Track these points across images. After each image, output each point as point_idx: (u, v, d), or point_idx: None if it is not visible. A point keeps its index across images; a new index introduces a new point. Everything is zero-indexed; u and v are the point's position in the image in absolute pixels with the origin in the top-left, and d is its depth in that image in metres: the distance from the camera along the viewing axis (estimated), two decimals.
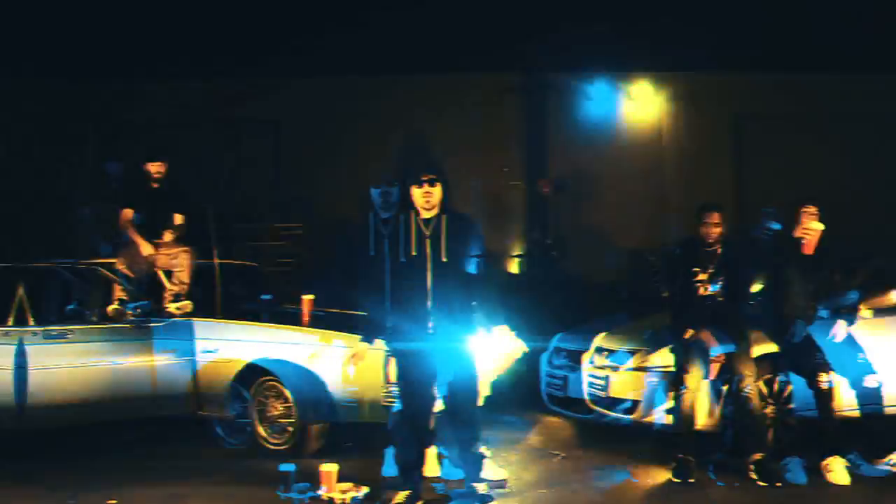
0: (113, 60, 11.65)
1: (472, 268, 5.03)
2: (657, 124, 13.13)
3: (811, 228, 5.89)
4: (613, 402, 6.51)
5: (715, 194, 10.78)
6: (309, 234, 11.58)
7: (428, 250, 4.95)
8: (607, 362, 6.66)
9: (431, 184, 4.95)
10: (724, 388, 5.99)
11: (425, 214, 4.99)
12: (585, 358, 6.98)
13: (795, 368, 5.94)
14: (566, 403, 6.71)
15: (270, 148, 13.30)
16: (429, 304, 4.92)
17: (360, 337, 5.39)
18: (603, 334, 7.08)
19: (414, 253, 4.92)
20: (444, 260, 4.93)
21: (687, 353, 5.84)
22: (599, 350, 6.88)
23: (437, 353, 4.95)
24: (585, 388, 6.85)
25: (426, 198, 4.93)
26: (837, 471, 5.61)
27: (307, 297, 6.75)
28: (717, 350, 5.89)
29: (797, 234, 5.94)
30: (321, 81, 12.95)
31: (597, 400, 6.70)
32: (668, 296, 6.28)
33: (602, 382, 6.57)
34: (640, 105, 13.15)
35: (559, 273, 11.96)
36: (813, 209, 5.99)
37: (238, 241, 10.90)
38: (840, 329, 5.98)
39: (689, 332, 5.79)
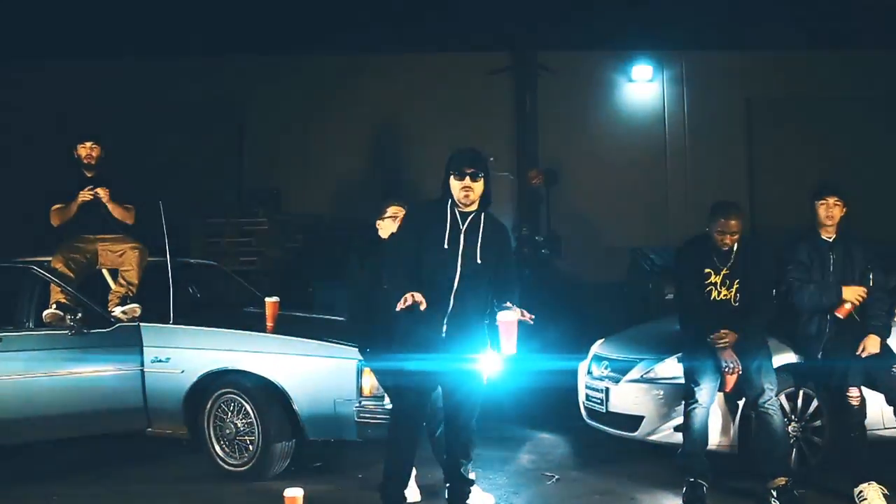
0: (53, 35, 11.35)
1: (509, 275, 4.96)
2: (660, 110, 13.09)
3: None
4: (614, 418, 6.34)
5: (723, 186, 11.36)
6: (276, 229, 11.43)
7: (461, 247, 4.83)
8: (607, 372, 6.50)
9: (473, 178, 4.83)
10: (741, 402, 5.76)
11: (463, 208, 4.88)
12: (582, 368, 6.87)
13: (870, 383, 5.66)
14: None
15: (233, 134, 13.19)
16: (449, 305, 4.78)
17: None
18: (601, 341, 6.99)
19: (446, 246, 4.79)
20: (479, 262, 4.81)
21: (698, 363, 5.61)
22: (598, 359, 6.74)
23: (443, 367, 4.80)
24: (582, 401, 6.76)
25: (465, 192, 4.81)
26: (873, 499, 5.37)
27: (271, 300, 6.41)
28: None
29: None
30: (289, 60, 12.78)
31: (595, 415, 6.58)
32: (678, 299, 6.04)
33: (601, 395, 6.44)
34: (642, 90, 13.07)
35: (552, 273, 11.88)
36: (832, 201, 5.75)
37: (197, 238, 10.94)
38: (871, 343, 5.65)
39: (726, 352, 5.52)
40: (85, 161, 6.93)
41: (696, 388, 5.55)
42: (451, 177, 4.84)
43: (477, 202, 4.89)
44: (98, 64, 12.42)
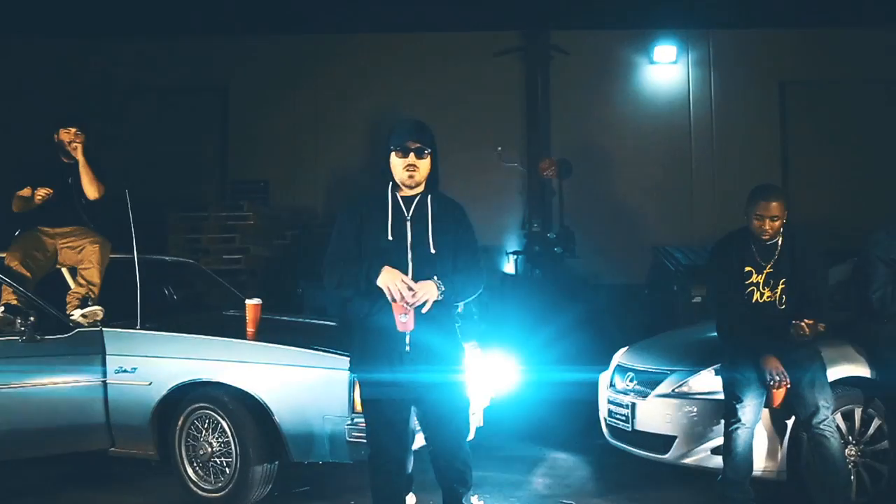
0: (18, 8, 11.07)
1: (467, 264, 4.49)
2: (684, 95, 12.86)
3: None
4: (641, 438, 6.04)
5: (754, 178, 10.67)
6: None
7: (409, 237, 4.41)
8: (633, 385, 6.22)
9: (419, 154, 4.40)
10: (790, 422, 5.43)
11: (407, 191, 4.47)
12: (603, 379, 6.64)
13: None
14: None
15: (217, 120, 13.02)
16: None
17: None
18: (624, 350, 6.74)
19: (391, 238, 4.37)
20: (432, 251, 4.38)
21: (740, 376, 5.26)
22: (622, 370, 6.45)
23: (413, 382, 4.38)
24: (604, 417, 6.49)
25: (409, 171, 4.39)
26: None
27: (253, 303, 6.16)
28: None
29: None
30: (277, 40, 12.61)
31: (619, 434, 6.30)
32: (714, 302, 5.67)
33: (626, 412, 6.15)
34: (664, 73, 12.86)
35: (565, 273, 11.72)
36: None
37: (175, 233, 10.87)
38: None
39: (770, 362, 5.17)
40: (69, 147, 6.71)
41: (738, 406, 5.23)
42: (393, 154, 4.42)
43: (423, 183, 4.48)
44: (68, 43, 12.17)
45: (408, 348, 4.32)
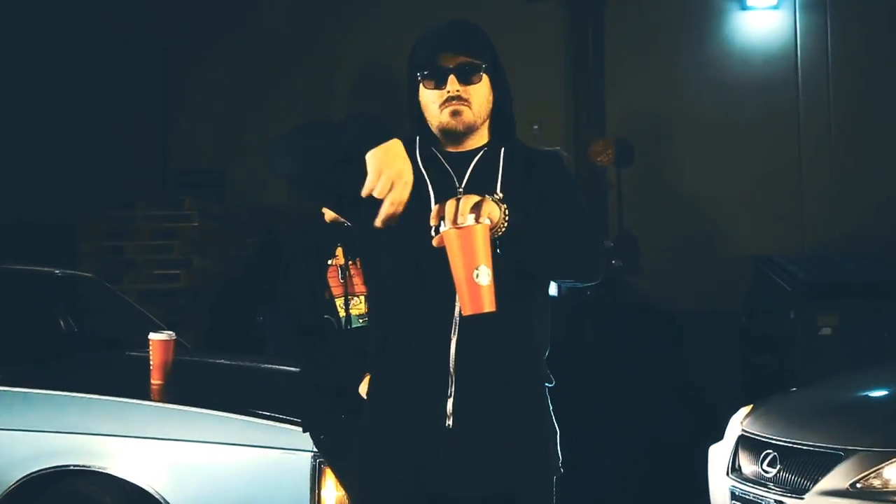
0: None
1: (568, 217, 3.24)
2: (790, 53, 12.23)
3: None
4: None
5: (889, 164, 11.04)
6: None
7: None
8: (775, 472, 5.16)
9: (465, 76, 3.00)
10: None
11: (454, 145, 3.11)
12: (718, 455, 5.68)
13: None
14: None
15: (156, 86, 12.78)
16: (451, 358, 3.04)
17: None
18: (747, 411, 5.80)
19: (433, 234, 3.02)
20: (498, 252, 2.98)
21: None
22: (750, 443, 5.44)
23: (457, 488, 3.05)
24: None
25: (452, 107, 3.01)
26: None
27: (159, 338, 5.25)
28: None
29: None
30: None
31: None
32: None
33: None
34: (761, 22, 12.27)
35: (626, 294, 11.27)
36: None
37: (89, 240, 10.35)
38: None
39: None
40: None
41: None
42: (421, 85, 3.08)
43: (484, 128, 3.10)
44: None
45: (449, 421, 3.01)
